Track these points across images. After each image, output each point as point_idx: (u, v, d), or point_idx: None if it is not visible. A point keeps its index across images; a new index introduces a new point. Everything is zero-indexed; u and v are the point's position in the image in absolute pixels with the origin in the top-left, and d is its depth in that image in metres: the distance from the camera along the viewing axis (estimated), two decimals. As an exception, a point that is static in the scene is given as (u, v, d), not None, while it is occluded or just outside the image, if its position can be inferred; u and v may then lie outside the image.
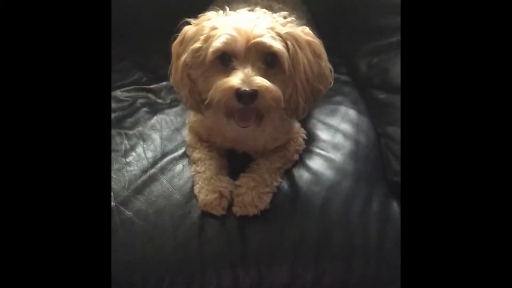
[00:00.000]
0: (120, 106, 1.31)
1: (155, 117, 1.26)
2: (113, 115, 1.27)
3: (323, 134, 1.21)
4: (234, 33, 0.90)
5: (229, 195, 1.03)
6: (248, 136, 1.06)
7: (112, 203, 1.05)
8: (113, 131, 1.22)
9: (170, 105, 1.31)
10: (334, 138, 1.20)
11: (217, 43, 0.90)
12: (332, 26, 1.48)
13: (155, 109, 1.29)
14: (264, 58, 0.91)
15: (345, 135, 1.21)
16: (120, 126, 1.24)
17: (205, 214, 1.02)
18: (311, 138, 1.18)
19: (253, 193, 1.01)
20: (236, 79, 0.88)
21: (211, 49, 0.90)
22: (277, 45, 0.91)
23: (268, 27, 0.92)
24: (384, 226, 1.04)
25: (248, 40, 0.89)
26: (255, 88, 0.87)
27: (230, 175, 1.07)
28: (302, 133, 1.15)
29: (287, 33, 0.93)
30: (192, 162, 1.11)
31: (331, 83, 1.01)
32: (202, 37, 0.93)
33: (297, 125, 1.14)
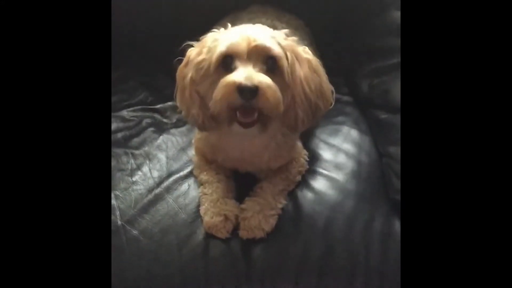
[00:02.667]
0: (126, 125, 1.33)
1: (161, 137, 1.28)
2: (119, 135, 1.29)
3: (325, 154, 1.22)
4: (237, 37, 0.92)
5: (234, 218, 1.03)
6: (251, 153, 1.07)
7: (118, 222, 1.06)
8: (120, 151, 1.23)
9: (176, 125, 1.33)
10: (337, 157, 1.21)
11: (221, 47, 0.92)
12: (334, 47, 1.51)
13: (161, 129, 1.31)
14: (265, 61, 0.93)
15: (347, 154, 1.22)
16: (127, 146, 1.26)
17: (210, 234, 1.03)
18: (314, 158, 1.19)
19: (259, 217, 1.02)
20: (237, 75, 0.89)
21: (215, 55, 0.93)
22: (278, 48, 0.93)
23: (270, 35, 0.95)
24: (386, 245, 1.04)
25: (249, 43, 0.92)
26: (256, 83, 0.88)
27: (235, 198, 1.08)
28: (304, 155, 1.16)
29: (287, 45, 0.96)
30: (200, 183, 1.12)
31: (331, 104, 1.02)
32: (205, 50, 0.96)
33: (299, 145, 1.15)
